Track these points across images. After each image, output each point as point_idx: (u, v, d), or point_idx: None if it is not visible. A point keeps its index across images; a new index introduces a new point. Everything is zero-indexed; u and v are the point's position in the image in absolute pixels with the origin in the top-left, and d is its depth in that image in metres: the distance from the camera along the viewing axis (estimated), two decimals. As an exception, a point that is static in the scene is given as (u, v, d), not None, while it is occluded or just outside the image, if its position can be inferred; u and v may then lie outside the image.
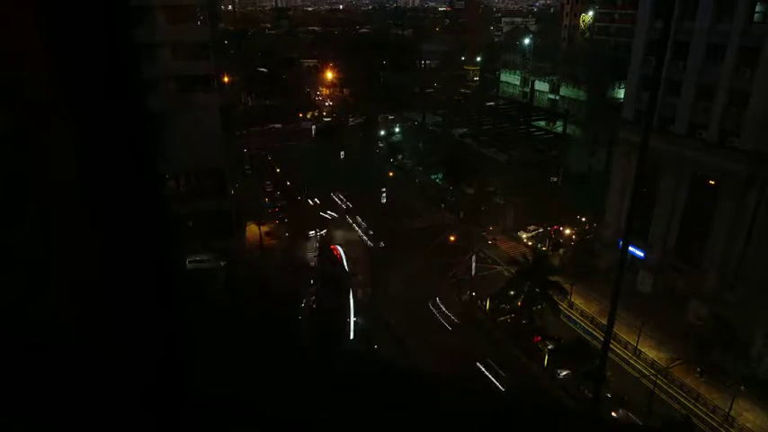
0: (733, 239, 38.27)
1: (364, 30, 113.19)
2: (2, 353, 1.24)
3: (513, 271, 43.07)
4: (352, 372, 1.35)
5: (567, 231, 53.83)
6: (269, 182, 66.92)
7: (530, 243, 53.25)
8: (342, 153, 75.05)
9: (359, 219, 59.22)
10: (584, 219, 54.72)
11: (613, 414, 32.63)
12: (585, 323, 42.24)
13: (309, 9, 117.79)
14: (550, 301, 39.12)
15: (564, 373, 36.84)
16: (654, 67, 44.18)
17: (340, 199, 63.86)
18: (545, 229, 54.55)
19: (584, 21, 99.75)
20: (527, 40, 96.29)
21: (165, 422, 1.17)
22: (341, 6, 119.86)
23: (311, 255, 51.06)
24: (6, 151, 1.02)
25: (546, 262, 42.61)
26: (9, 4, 0.86)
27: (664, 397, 35.40)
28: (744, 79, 37.02)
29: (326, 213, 61.06)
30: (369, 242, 54.72)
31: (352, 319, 41.23)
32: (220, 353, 1.37)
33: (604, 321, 38.80)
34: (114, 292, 1.08)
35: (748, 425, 33.28)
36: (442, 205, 61.50)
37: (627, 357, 38.80)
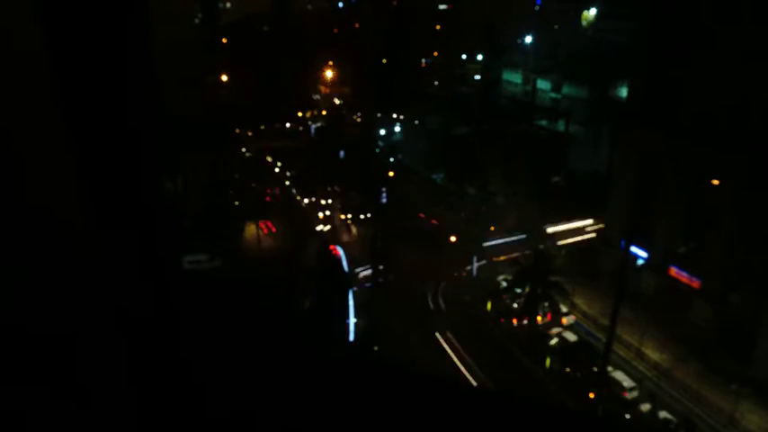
0: (738, 239, 37.79)
1: (364, 28, 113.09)
2: (4, 350, 1.20)
3: (514, 271, 42.74)
4: (352, 373, 1.32)
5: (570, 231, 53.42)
6: (267, 180, 66.64)
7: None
8: (342, 153, 74.75)
9: (359, 219, 58.84)
10: (586, 218, 54.31)
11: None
12: (588, 324, 41.82)
13: (309, 7, 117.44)
14: (551, 302, 38.82)
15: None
16: (657, 65, 43.57)
17: (340, 199, 63.50)
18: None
19: (586, 18, 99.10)
20: (529, 39, 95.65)
21: (165, 422, 1.16)
22: (340, 5, 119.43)
23: (310, 255, 50.70)
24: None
25: (547, 262, 42.24)
26: (9, 4, 0.89)
27: (666, 399, 35.00)
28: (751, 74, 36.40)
29: (326, 213, 60.74)
30: (368, 242, 54.33)
31: (352, 319, 40.88)
32: (219, 355, 1.32)
33: (607, 322, 38.45)
34: (112, 292, 1.09)
35: (752, 427, 32.86)
36: (443, 205, 61.09)
37: (629, 359, 38.41)
